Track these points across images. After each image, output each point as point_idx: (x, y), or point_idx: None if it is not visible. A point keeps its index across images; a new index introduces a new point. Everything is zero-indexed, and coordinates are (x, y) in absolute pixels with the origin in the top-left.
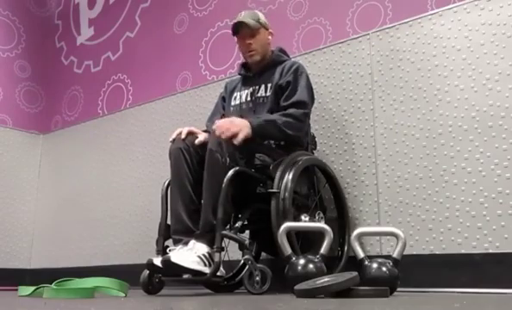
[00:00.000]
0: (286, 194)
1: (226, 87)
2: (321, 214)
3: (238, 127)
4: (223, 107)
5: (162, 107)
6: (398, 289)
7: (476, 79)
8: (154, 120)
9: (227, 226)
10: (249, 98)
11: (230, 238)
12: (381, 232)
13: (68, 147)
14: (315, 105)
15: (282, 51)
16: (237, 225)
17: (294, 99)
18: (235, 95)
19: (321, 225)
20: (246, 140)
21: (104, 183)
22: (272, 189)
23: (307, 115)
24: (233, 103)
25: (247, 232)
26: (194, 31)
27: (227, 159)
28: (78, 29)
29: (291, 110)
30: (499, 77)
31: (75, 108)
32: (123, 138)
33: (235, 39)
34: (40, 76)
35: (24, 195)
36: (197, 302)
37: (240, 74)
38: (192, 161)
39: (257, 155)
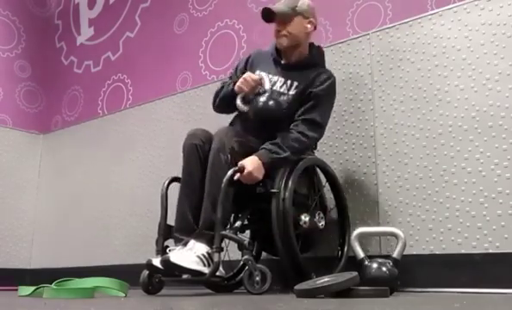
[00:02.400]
0: (286, 194)
1: (251, 58)
2: (322, 214)
3: (253, 172)
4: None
5: (162, 107)
6: (398, 289)
7: (476, 79)
8: (154, 120)
9: (228, 226)
10: (273, 88)
11: (230, 238)
12: (381, 232)
13: (68, 147)
14: None
15: (321, 52)
16: (237, 225)
17: (312, 116)
18: (258, 72)
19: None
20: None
21: (104, 183)
22: (273, 188)
23: (317, 140)
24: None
25: (248, 231)
26: (194, 31)
27: (229, 157)
28: (78, 29)
29: (303, 130)
30: (499, 77)
31: (75, 108)
32: (123, 138)
33: (270, 25)
34: (40, 76)
35: (24, 195)
36: (197, 302)
37: (271, 54)
38: (205, 158)
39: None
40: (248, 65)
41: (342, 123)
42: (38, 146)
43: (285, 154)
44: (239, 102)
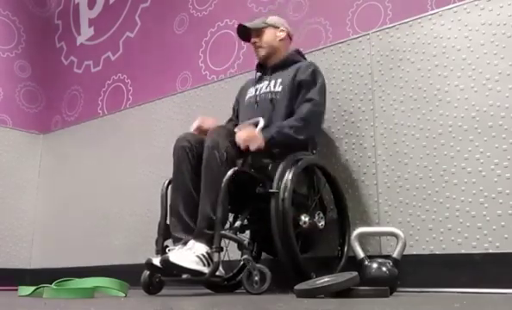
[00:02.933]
0: (286, 194)
1: (241, 88)
2: (321, 214)
3: (251, 140)
4: (235, 109)
5: (162, 107)
6: (398, 289)
7: (476, 79)
8: (154, 120)
9: (227, 226)
10: (257, 93)
11: (229, 238)
12: (381, 232)
13: (68, 147)
14: None
15: (298, 52)
16: (236, 225)
17: (308, 96)
18: (248, 91)
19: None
20: (259, 150)
21: (104, 183)
22: (272, 189)
23: (320, 115)
24: (247, 97)
25: (248, 232)
26: (194, 31)
27: (225, 154)
28: (78, 29)
29: (304, 110)
30: (499, 77)
31: (75, 108)
32: (123, 138)
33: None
34: (40, 76)
35: (24, 195)
36: (197, 302)
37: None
38: (195, 160)
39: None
40: (241, 94)
41: (342, 123)
42: (38, 146)
43: (285, 130)
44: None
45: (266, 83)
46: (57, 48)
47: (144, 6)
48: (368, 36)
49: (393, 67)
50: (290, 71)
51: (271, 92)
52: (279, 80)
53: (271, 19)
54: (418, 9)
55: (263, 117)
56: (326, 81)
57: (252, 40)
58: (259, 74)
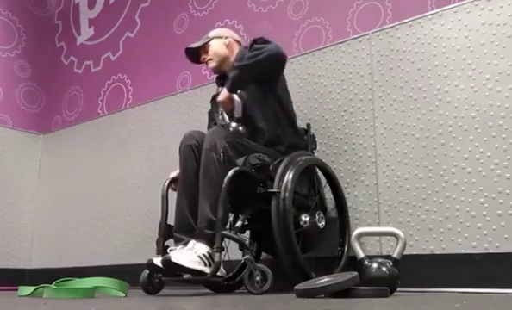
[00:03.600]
0: (286, 194)
1: (212, 99)
2: (322, 214)
3: (221, 96)
4: (208, 126)
5: (162, 107)
6: (398, 289)
7: (476, 79)
8: (154, 120)
9: (227, 226)
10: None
11: (230, 238)
12: (381, 232)
13: (68, 147)
14: (315, 105)
15: (245, 47)
16: (237, 225)
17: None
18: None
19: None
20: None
21: (104, 183)
22: (272, 188)
23: (260, 39)
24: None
25: (248, 232)
26: (194, 31)
27: (221, 156)
28: (78, 29)
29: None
30: (499, 77)
31: (75, 108)
32: (123, 138)
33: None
34: (40, 76)
35: (24, 195)
36: (197, 302)
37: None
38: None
39: (256, 154)
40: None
41: (342, 123)
42: (38, 146)
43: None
44: (233, 124)
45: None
46: (57, 48)
47: (144, 6)
48: (368, 36)
49: (393, 67)
50: None
51: (240, 97)
52: None
53: (213, 32)
54: (418, 9)
55: (242, 122)
56: (326, 81)
57: (202, 57)
58: (221, 88)
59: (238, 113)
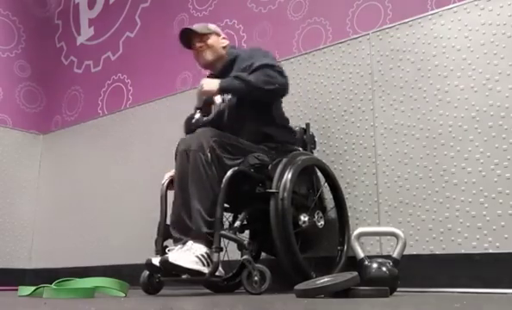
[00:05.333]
0: (285, 194)
1: None
2: (321, 214)
3: (208, 85)
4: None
5: (162, 107)
6: (398, 289)
7: (476, 79)
8: (154, 120)
9: (226, 226)
10: (223, 101)
11: (229, 238)
12: (381, 232)
13: (68, 147)
14: (315, 105)
15: (232, 47)
16: (236, 225)
17: (255, 65)
18: None
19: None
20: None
21: (104, 183)
22: (271, 188)
23: (277, 69)
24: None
25: (247, 231)
26: None
27: (209, 155)
28: (78, 29)
29: (259, 71)
30: (499, 77)
31: (75, 108)
32: (123, 138)
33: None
34: (40, 76)
35: (24, 195)
36: (197, 302)
37: None
38: None
39: (255, 154)
40: None
41: (342, 123)
42: (38, 146)
43: (243, 75)
44: (197, 115)
45: None
46: (57, 48)
47: (144, 6)
48: (368, 36)
49: (393, 67)
50: (235, 67)
51: (223, 101)
52: None
53: (213, 27)
54: (418, 9)
55: (234, 122)
56: (326, 81)
57: (198, 44)
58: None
59: (211, 112)
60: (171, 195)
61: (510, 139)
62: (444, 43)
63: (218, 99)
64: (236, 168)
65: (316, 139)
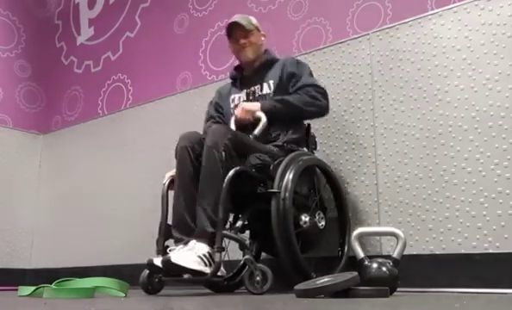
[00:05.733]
0: (286, 194)
1: (219, 92)
2: (322, 214)
3: (250, 108)
4: (220, 112)
5: (162, 107)
6: (398, 289)
7: (476, 79)
8: (154, 120)
9: (227, 226)
10: (251, 97)
11: (231, 238)
12: (381, 232)
13: (68, 147)
14: None
15: (271, 51)
16: (237, 225)
17: (300, 84)
18: (233, 97)
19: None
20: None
21: (104, 183)
22: (273, 188)
23: (321, 91)
24: (232, 105)
25: (248, 231)
26: (194, 31)
27: (223, 154)
28: (78, 29)
29: (303, 90)
30: (499, 77)
31: (75, 108)
32: (123, 138)
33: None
34: (40, 76)
35: (24, 195)
36: (198, 302)
37: (232, 78)
38: (197, 160)
39: (257, 154)
40: (222, 98)
41: (342, 123)
42: (38, 146)
43: (285, 97)
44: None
45: (258, 86)
46: (57, 48)
47: (144, 6)
48: (368, 36)
49: (393, 67)
50: (276, 69)
51: (270, 93)
52: (271, 81)
53: (254, 20)
54: (418, 9)
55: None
56: (326, 81)
57: (242, 40)
58: (228, 82)
59: (258, 131)
60: (171, 194)
61: (510, 139)
62: (444, 43)
63: (264, 119)
64: (238, 168)
65: (316, 139)
